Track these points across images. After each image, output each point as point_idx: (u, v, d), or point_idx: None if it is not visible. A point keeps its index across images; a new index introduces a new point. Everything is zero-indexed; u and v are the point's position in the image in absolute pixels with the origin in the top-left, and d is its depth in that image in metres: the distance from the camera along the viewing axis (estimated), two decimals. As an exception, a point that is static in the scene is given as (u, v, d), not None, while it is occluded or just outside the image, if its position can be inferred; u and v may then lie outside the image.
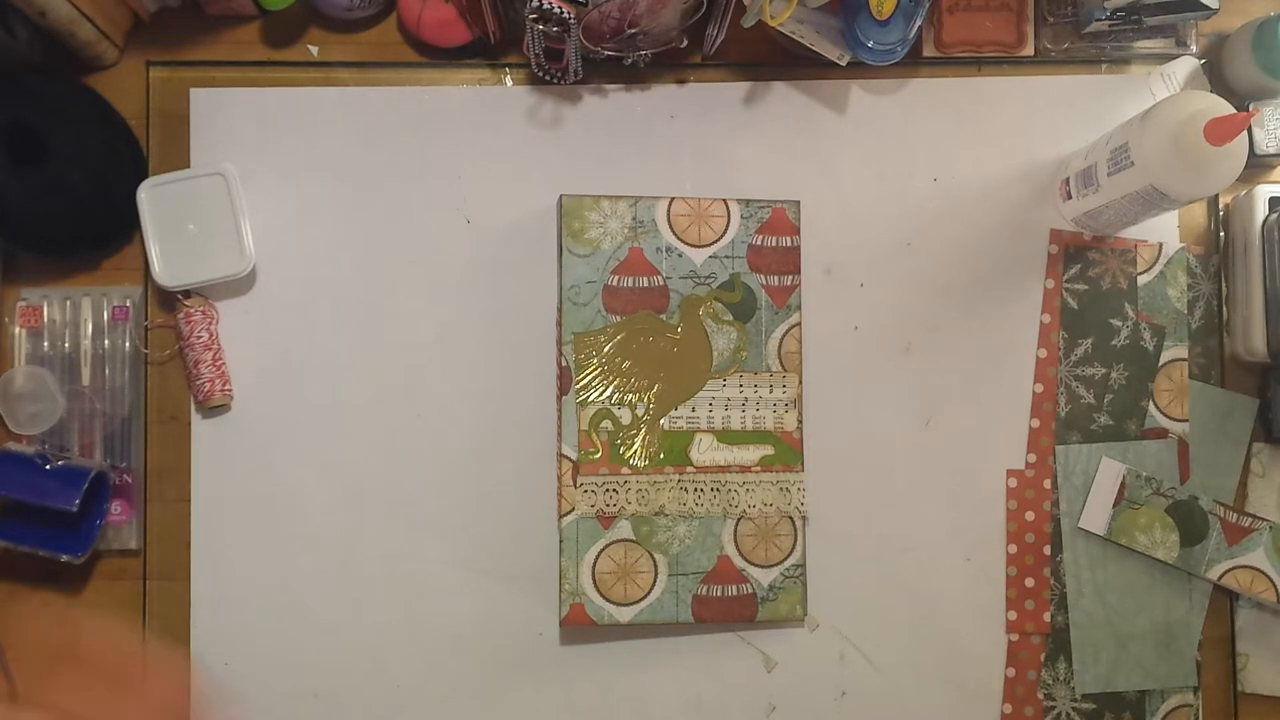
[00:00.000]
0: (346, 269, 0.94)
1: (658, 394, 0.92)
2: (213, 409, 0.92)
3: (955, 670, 0.94)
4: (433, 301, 0.94)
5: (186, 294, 0.92)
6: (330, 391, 0.93)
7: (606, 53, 0.91)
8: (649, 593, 0.90)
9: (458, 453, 0.93)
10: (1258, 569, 0.93)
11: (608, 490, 0.90)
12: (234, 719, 0.76)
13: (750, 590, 0.91)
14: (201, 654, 0.91)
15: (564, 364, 0.91)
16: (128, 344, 0.92)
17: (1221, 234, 0.97)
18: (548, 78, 0.94)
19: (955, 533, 0.94)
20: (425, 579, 0.92)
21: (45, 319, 0.92)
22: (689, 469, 0.91)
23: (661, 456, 0.91)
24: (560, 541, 0.90)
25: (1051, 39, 0.97)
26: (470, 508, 0.93)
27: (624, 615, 0.90)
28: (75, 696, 0.73)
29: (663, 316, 0.92)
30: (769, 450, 0.92)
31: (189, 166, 0.93)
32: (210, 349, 0.91)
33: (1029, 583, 0.94)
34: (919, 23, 0.91)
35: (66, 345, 0.92)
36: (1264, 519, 0.94)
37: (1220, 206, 0.97)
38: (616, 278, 0.91)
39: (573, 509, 0.90)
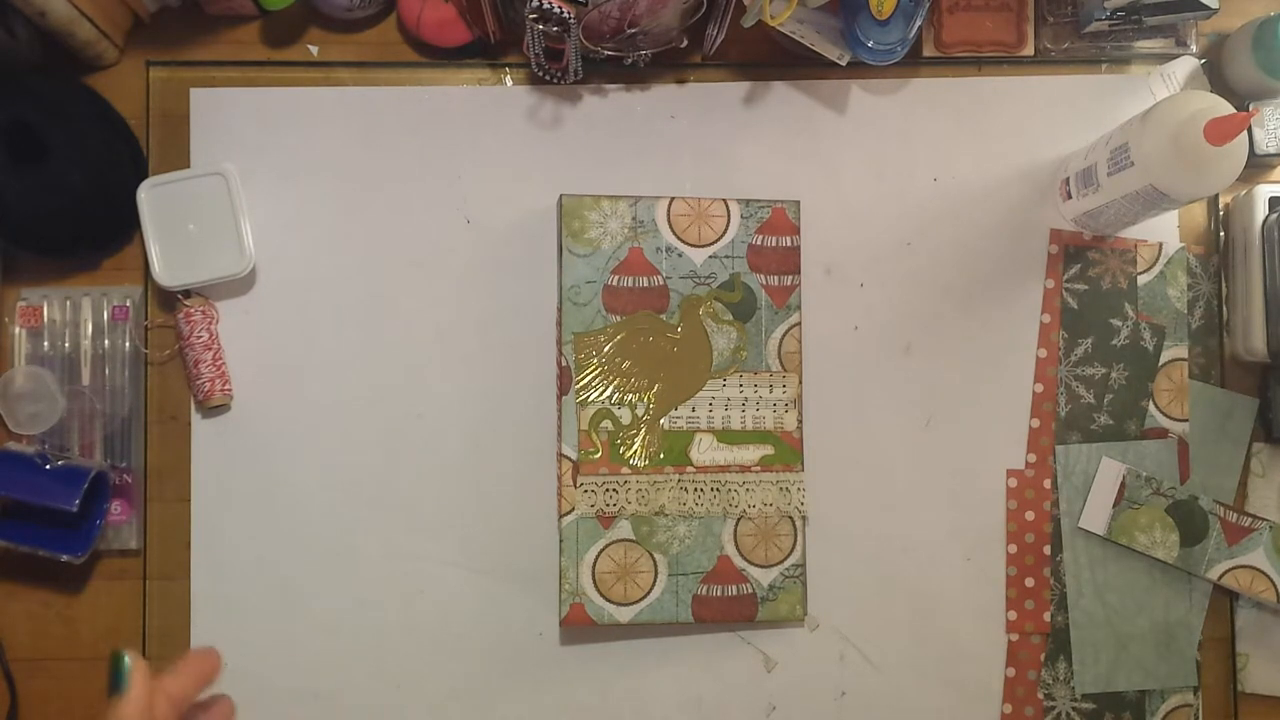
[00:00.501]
0: (346, 269, 0.94)
1: (658, 394, 0.92)
2: (213, 409, 0.92)
3: (955, 670, 0.94)
4: (433, 301, 0.94)
5: (186, 294, 0.92)
6: (330, 391, 0.93)
7: (606, 53, 0.91)
8: (649, 593, 0.90)
9: (457, 453, 0.93)
10: (1258, 569, 0.93)
11: (608, 490, 0.90)
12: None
13: (750, 590, 0.91)
14: (201, 654, 0.91)
15: (564, 364, 0.91)
16: (128, 344, 0.92)
17: (1221, 234, 0.97)
18: (548, 78, 0.94)
19: (955, 533, 0.94)
20: (425, 579, 0.92)
21: (45, 319, 0.92)
22: (689, 469, 0.91)
23: (661, 456, 0.91)
24: (560, 541, 0.90)
25: (1051, 39, 0.97)
26: (470, 508, 0.93)
27: (624, 615, 0.90)
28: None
29: (663, 316, 0.92)
30: (769, 450, 0.92)
31: (189, 166, 0.93)
32: (210, 349, 0.91)
33: (1029, 583, 0.94)
34: (919, 23, 0.91)
35: (66, 345, 0.92)
36: (1264, 519, 0.94)
37: (1220, 206, 0.97)
38: (616, 278, 0.91)
39: (573, 509, 0.90)
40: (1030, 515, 0.95)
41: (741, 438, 0.92)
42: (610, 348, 0.91)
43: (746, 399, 0.92)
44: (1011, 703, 0.94)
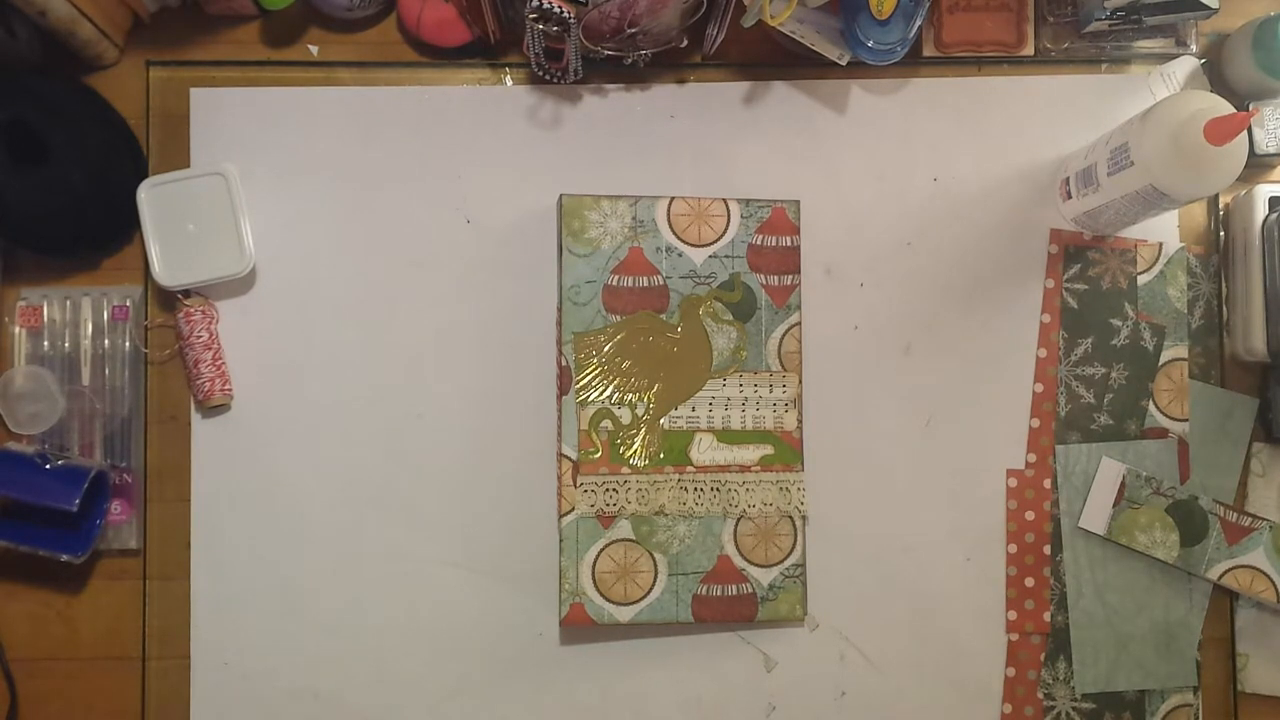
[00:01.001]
0: (346, 269, 0.94)
1: (658, 394, 0.92)
2: (213, 409, 0.92)
3: (955, 670, 0.94)
4: (433, 301, 0.94)
5: (186, 294, 0.92)
6: (330, 391, 0.93)
7: (606, 52, 0.91)
8: (649, 592, 0.90)
9: (458, 452, 0.93)
10: (1258, 569, 0.93)
11: (608, 490, 0.90)
12: None
13: (750, 590, 0.91)
14: (201, 654, 0.91)
15: (564, 364, 0.91)
16: (128, 344, 0.92)
17: (1221, 234, 0.97)
18: (548, 78, 0.94)
19: (955, 533, 0.94)
20: (425, 579, 0.92)
21: (45, 319, 0.92)
22: (689, 469, 0.91)
23: (661, 456, 0.91)
24: (560, 541, 0.90)
25: (1051, 39, 0.97)
26: (470, 508, 0.93)
27: (624, 615, 0.90)
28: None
29: (663, 316, 0.92)
30: (769, 450, 0.92)
31: (189, 166, 0.93)
32: (210, 349, 0.91)
33: (1029, 582, 0.94)
34: (919, 23, 0.91)
35: (66, 345, 0.92)
36: (1264, 519, 0.94)
37: (1220, 206, 0.97)
38: (616, 277, 0.91)
39: (573, 509, 0.90)
40: (1030, 515, 0.95)
41: (741, 437, 0.92)
42: (610, 348, 0.91)
43: (746, 399, 0.92)
44: (1011, 703, 0.94)
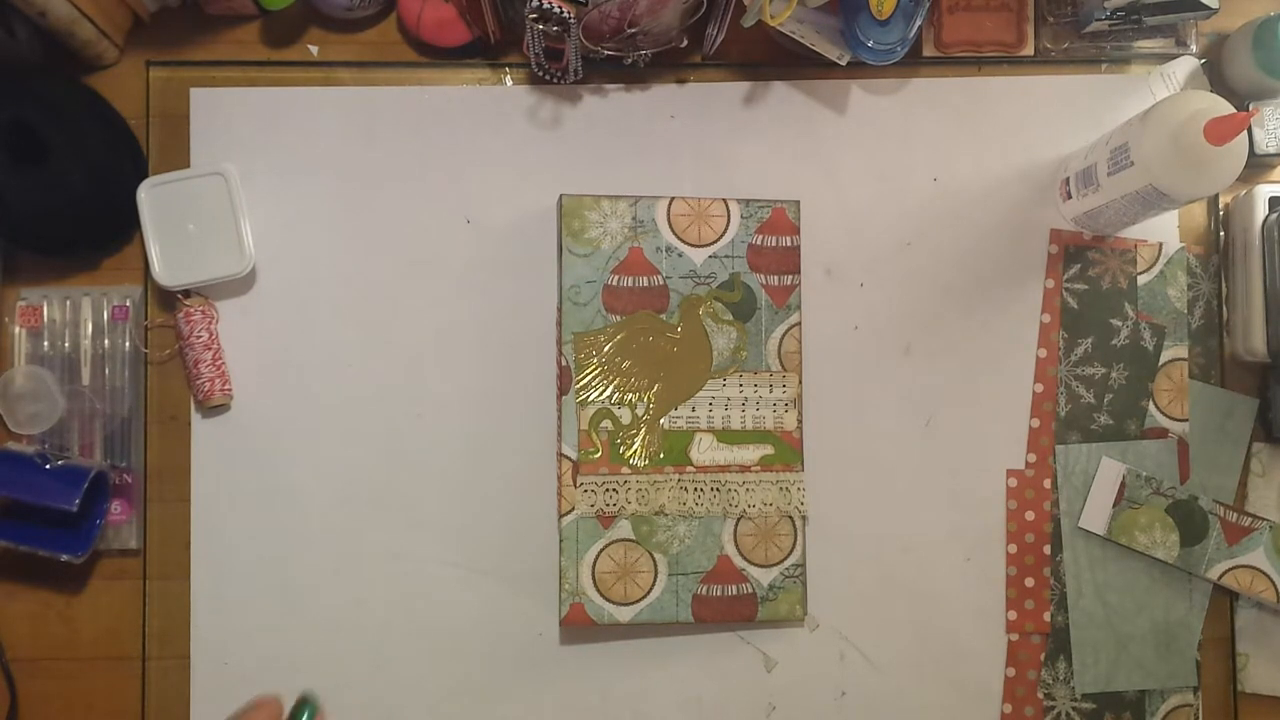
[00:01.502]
0: (346, 269, 0.94)
1: (658, 394, 0.92)
2: (213, 409, 0.92)
3: (955, 670, 0.94)
4: (433, 301, 0.94)
5: (186, 294, 0.92)
6: (330, 391, 0.93)
7: (606, 52, 0.91)
8: (649, 592, 0.90)
9: (458, 453, 0.93)
10: (1258, 569, 0.93)
11: (608, 490, 0.90)
12: None
13: (750, 590, 0.91)
14: (201, 654, 0.91)
15: (564, 364, 0.91)
16: (128, 344, 0.92)
17: (1221, 234, 0.97)
18: (548, 78, 0.94)
19: (955, 533, 0.94)
20: (425, 579, 0.92)
21: (45, 319, 0.92)
22: (689, 469, 0.91)
23: (661, 456, 0.91)
24: (560, 541, 0.90)
25: (1051, 39, 0.97)
26: (470, 508, 0.93)
27: (624, 615, 0.90)
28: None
29: (663, 316, 0.92)
30: (769, 450, 0.92)
31: (189, 166, 0.93)
32: (210, 349, 0.91)
33: (1029, 583, 0.94)
34: (919, 23, 0.91)
35: (66, 345, 0.92)
36: (1264, 519, 0.94)
37: (1220, 206, 0.97)
38: (616, 277, 0.91)
39: (573, 509, 0.90)
40: (1030, 515, 0.95)
41: (741, 437, 0.92)
42: (610, 348, 0.91)
43: (746, 399, 0.92)
44: (1011, 703, 0.94)
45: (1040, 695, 0.94)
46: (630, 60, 0.93)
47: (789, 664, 0.93)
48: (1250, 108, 0.93)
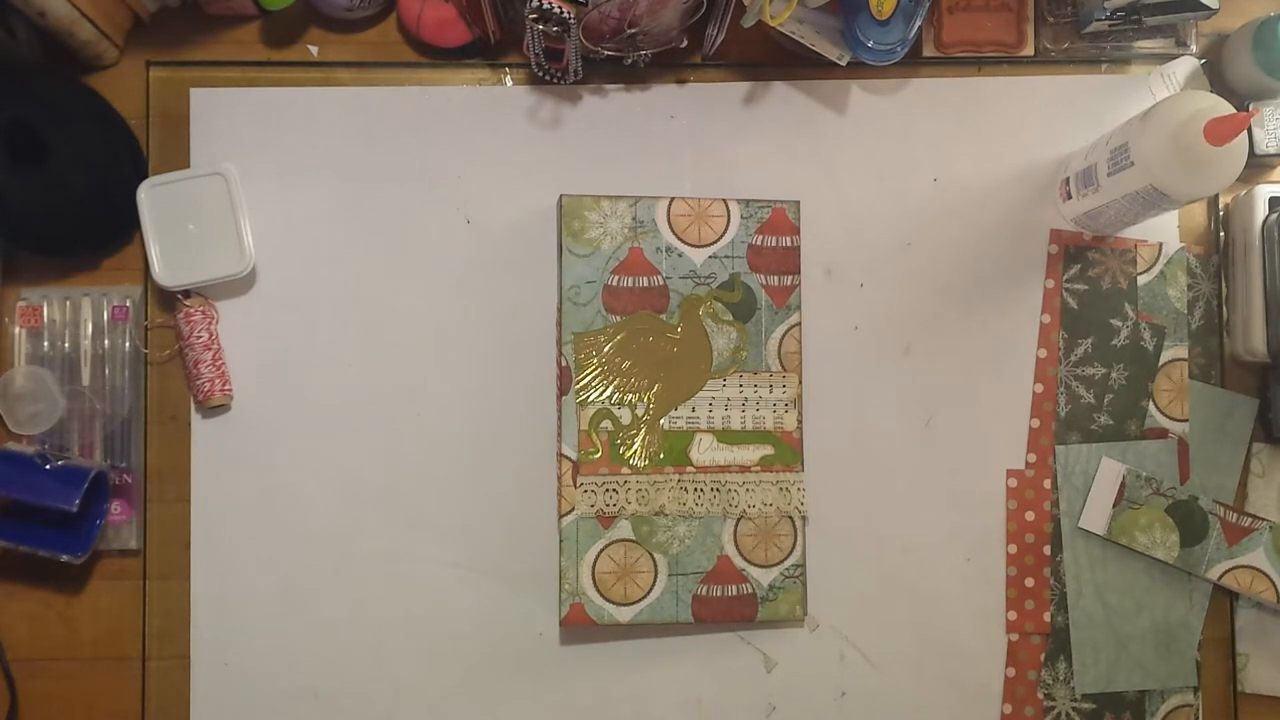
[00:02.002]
0: (346, 269, 0.94)
1: (658, 394, 0.92)
2: (213, 409, 0.92)
3: (955, 670, 0.94)
4: (432, 301, 0.94)
5: (186, 294, 0.92)
6: (330, 391, 0.93)
7: (606, 53, 0.91)
8: (649, 593, 0.90)
9: (458, 453, 0.93)
10: (1258, 569, 0.93)
11: (608, 490, 0.90)
12: None
13: (750, 590, 0.91)
14: (201, 654, 0.91)
15: (564, 364, 0.91)
16: (128, 344, 0.92)
17: (1221, 234, 0.97)
18: (548, 78, 0.94)
19: (955, 533, 0.94)
20: (425, 579, 0.92)
21: (45, 319, 0.92)
22: (689, 469, 0.91)
23: (661, 456, 0.91)
24: (560, 541, 0.90)
25: (1051, 39, 0.97)
26: (470, 508, 0.93)
27: (624, 615, 0.90)
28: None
29: (663, 316, 0.92)
30: (769, 450, 0.92)
31: (189, 166, 0.93)
32: (210, 349, 0.91)
33: (1029, 583, 0.94)
34: (919, 23, 0.91)
35: (66, 345, 0.92)
36: (1264, 519, 0.94)
37: (1220, 206, 0.97)
38: (616, 278, 0.91)
39: (573, 509, 0.90)
40: (1030, 515, 0.95)
41: (741, 438, 0.92)
42: (610, 348, 0.91)
43: (746, 399, 0.92)
44: (1011, 703, 0.94)
45: (1040, 695, 0.94)
46: (630, 60, 0.93)
47: (789, 664, 0.93)
48: (1250, 108, 0.93)
